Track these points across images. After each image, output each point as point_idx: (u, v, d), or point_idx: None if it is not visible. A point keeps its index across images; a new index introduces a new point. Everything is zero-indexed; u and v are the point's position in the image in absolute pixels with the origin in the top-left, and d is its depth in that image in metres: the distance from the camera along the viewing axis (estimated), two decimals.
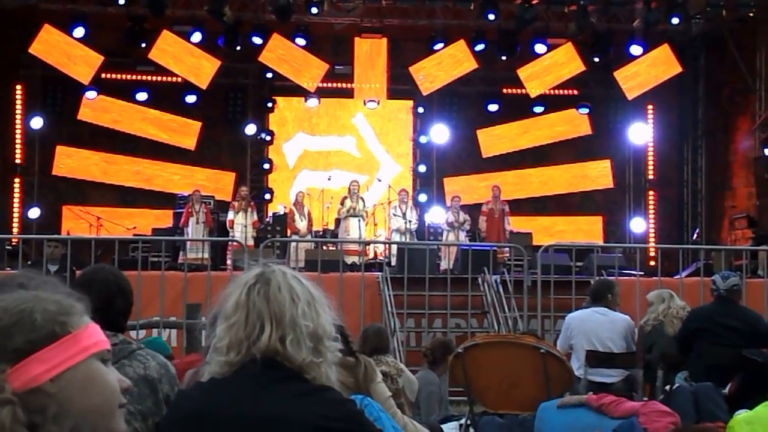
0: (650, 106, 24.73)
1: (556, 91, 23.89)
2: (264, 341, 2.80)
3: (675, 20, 22.42)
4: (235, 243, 17.90)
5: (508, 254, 18.44)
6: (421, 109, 24.86)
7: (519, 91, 23.66)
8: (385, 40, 23.37)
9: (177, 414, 2.97)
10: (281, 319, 2.81)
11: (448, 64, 23.03)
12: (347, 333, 5.94)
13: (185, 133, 23.90)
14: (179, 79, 23.03)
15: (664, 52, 22.78)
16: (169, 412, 3.22)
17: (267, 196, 24.17)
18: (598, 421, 6.90)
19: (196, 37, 22.42)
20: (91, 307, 3.49)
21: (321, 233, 21.06)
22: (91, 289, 4.00)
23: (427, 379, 10.21)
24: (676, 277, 14.97)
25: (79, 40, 21.99)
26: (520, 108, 24.22)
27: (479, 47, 23.02)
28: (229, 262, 17.93)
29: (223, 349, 2.84)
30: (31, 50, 21.86)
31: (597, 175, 24.86)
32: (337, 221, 21.08)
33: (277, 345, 2.80)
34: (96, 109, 23.32)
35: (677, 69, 22.84)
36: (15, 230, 22.05)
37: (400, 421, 5.78)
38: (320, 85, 23.46)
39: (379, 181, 23.16)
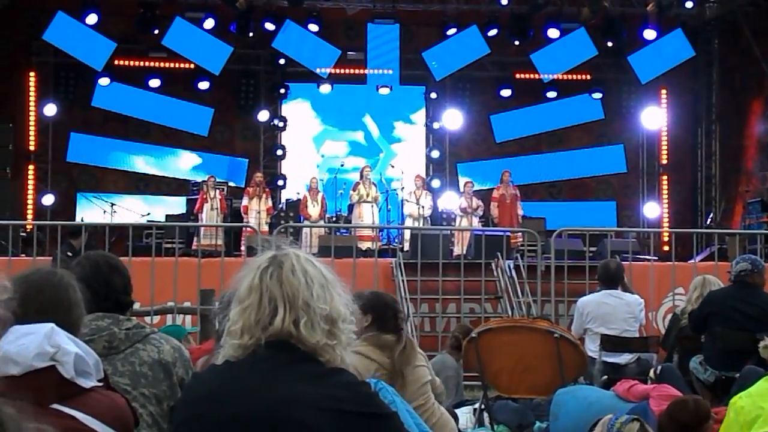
0: (663, 91, 24.66)
1: (569, 76, 23.80)
2: (277, 324, 2.81)
3: (689, 4, 22.38)
4: (249, 229, 17.92)
5: (521, 239, 18.41)
6: (433, 95, 24.83)
7: (532, 76, 23.60)
8: (397, 25, 23.33)
9: (192, 395, 2.97)
10: (294, 302, 2.82)
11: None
12: (398, 308, 5.89)
13: (198, 119, 23.93)
14: (191, 66, 23.04)
15: (677, 36, 22.70)
16: (184, 394, 3.23)
17: (280, 183, 24.18)
18: (613, 405, 6.88)
19: (209, 23, 22.40)
20: (92, 292, 3.53)
21: (334, 219, 21.08)
22: (87, 277, 4.03)
23: (445, 363, 10.22)
24: (690, 261, 14.91)
25: (91, 26, 22.00)
26: (533, 93, 24.19)
27: (492, 32, 22.97)
28: (243, 248, 17.96)
29: (237, 332, 2.85)
30: (44, 37, 21.88)
31: (610, 160, 24.80)
32: (350, 207, 21.08)
33: (291, 328, 2.81)
34: (109, 95, 23.35)
35: (690, 53, 22.76)
36: (29, 217, 22.10)
37: (430, 408, 5.75)
38: (333, 70, 23.44)
39: (392, 167, 23.13)
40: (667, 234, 20.89)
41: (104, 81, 23.01)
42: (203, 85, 23.50)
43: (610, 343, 9.92)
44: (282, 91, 24.65)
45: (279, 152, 24.58)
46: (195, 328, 9.22)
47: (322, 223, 20.17)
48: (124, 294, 4.29)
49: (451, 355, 10.46)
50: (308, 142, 25.05)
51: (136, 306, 11.49)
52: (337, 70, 23.61)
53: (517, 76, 24.31)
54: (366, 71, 23.64)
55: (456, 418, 7.95)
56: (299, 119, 24.99)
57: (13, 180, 21.24)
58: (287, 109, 25.00)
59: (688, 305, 9.82)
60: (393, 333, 5.71)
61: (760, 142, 22.17)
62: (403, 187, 21.10)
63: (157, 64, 23.64)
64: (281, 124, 24.69)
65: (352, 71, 24.09)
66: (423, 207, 20.30)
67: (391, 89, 23.82)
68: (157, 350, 4.09)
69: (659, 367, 8.42)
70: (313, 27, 22.98)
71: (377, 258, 14.65)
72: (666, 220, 24.36)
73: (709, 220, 23.45)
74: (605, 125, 24.81)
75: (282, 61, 23.86)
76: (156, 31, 22.40)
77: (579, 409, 7.31)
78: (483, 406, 9.32)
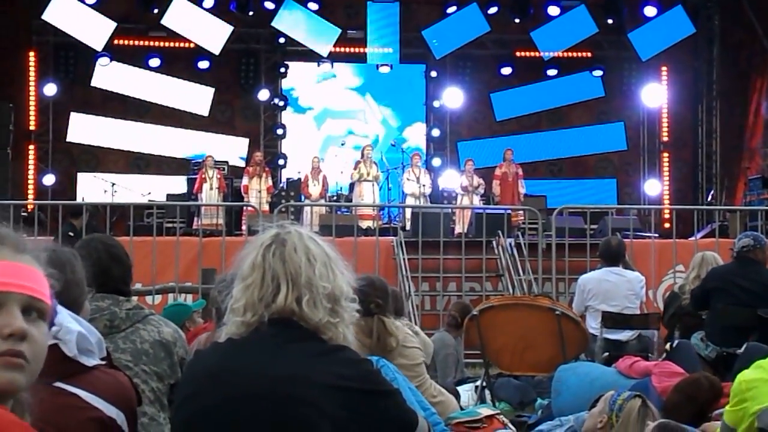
0: (664, 68, 24.58)
1: (570, 54, 23.77)
2: (280, 302, 2.81)
3: None
4: (250, 208, 17.91)
5: (522, 217, 18.40)
6: (434, 73, 24.77)
7: (532, 54, 23.56)
8: (397, 3, 23.26)
9: (194, 373, 2.98)
10: (297, 280, 2.82)
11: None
12: (372, 292, 5.81)
13: (198, 98, 23.88)
14: (191, 45, 23.00)
15: (678, 13, 22.63)
16: (187, 371, 3.23)
17: (281, 162, 24.15)
18: (615, 382, 6.90)
19: (209, 2, 22.34)
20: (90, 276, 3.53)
21: (335, 198, 21.06)
22: (86, 263, 4.04)
23: (444, 342, 10.25)
24: (690, 239, 14.90)
25: (91, 6, 21.96)
26: (533, 71, 24.13)
27: (492, 10, 22.91)
28: (244, 227, 17.97)
29: (239, 309, 2.86)
30: (44, 17, 21.84)
31: (611, 137, 24.77)
32: (351, 186, 21.06)
33: (294, 305, 2.81)
34: (109, 75, 23.32)
35: (691, 30, 22.71)
36: (30, 196, 22.10)
37: (427, 389, 5.74)
38: (333, 49, 23.39)
39: (393, 145, 23.10)
40: (668, 211, 20.89)
41: (104, 61, 22.95)
42: (203, 65, 23.47)
43: (612, 320, 9.93)
44: (282, 70, 24.60)
45: (279, 131, 24.54)
46: (202, 302, 9.16)
47: (322, 202, 20.16)
48: (123, 284, 4.30)
49: (450, 332, 10.50)
50: (309, 121, 25.02)
51: (138, 286, 11.53)
52: (338, 49, 23.55)
53: (518, 53, 24.25)
54: (366, 50, 23.58)
55: (457, 395, 7.97)
56: (299, 98, 24.96)
57: (13, 160, 21.20)
58: (287, 88, 24.95)
59: (687, 283, 9.84)
60: (365, 317, 5.65)
61: (762, 118, 22.13)
62: (404, 165, 21.04)
63: (157, 43, 23.58)
64: (282, 104, 24.65)
65: (352, 50, 24.02)
66: (424, 186, 20.28)
67: (391, 68, 23.79)
68: (157, 330, 4.17)
69: (676, 342, 8.42)
70: (313, 6, 22.93)
71: (378, 237, 14.63)
72: (667, 197, 24.32)
73: (710, 197, 23.43)
74: (606, 103, 24.76)
75: (282, 40, 23.81)
76: (156, 11, 22.36)
77: (581, 385, 7.33)
78: (485, 384, 9.34)
